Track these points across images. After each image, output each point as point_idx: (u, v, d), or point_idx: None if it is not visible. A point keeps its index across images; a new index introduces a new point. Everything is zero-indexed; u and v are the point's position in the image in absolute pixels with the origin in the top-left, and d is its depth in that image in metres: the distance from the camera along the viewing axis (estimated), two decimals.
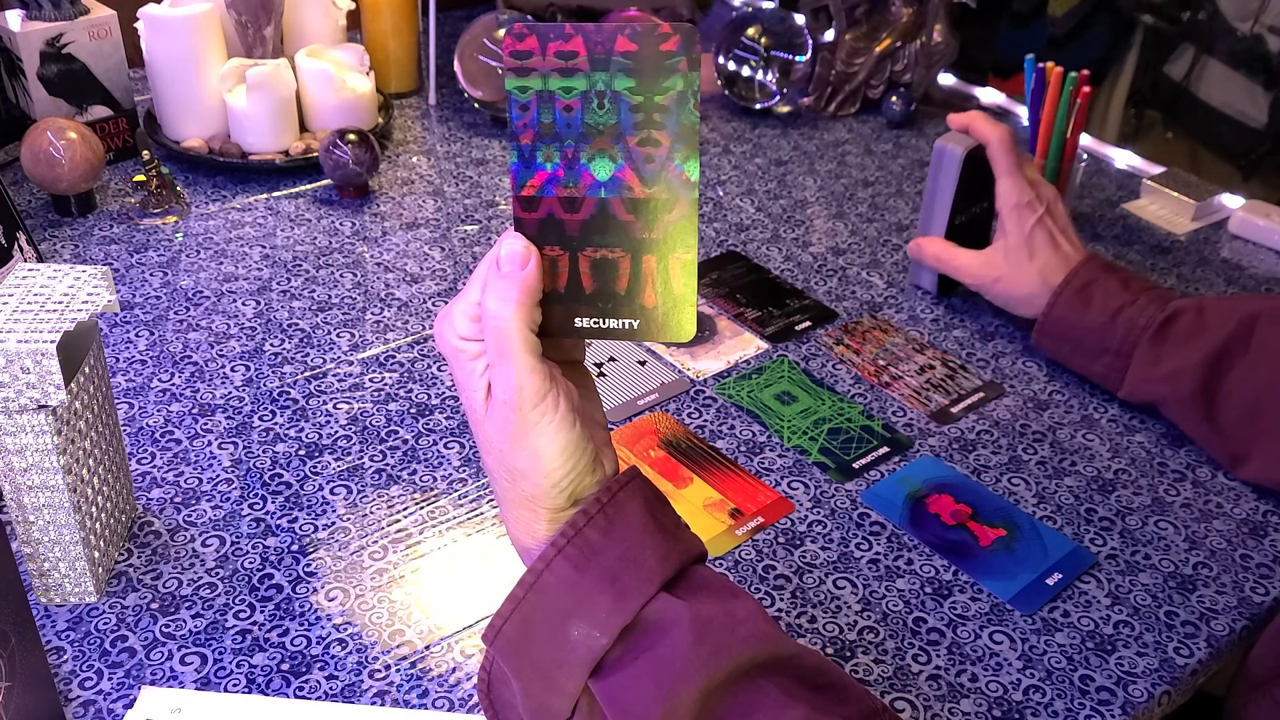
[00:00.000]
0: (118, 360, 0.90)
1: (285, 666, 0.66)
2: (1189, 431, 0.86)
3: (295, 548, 0.74)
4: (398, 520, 0.76)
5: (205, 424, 0.84)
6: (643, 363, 0.93)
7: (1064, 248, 0.92)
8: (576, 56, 0.46)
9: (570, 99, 0.46)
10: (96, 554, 0.68)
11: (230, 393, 0.87)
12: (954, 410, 0.89)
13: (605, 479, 0.50)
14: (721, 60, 1.38)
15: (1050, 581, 0.74)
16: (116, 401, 0.83)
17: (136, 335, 0.93)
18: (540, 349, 0.47)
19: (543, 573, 0.48)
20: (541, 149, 0.47)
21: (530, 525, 0.49)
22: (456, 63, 1.31)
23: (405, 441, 0.83)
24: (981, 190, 0.98)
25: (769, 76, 1.36)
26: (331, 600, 0.70)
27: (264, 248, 1.06)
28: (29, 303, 0.63)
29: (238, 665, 0.65)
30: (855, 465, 0.83)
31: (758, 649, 0.47)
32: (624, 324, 0.49)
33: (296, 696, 0.64)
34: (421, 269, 1.04)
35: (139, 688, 0.64)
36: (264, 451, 0.81)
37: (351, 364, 0.91)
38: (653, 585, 0.47)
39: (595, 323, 0.49)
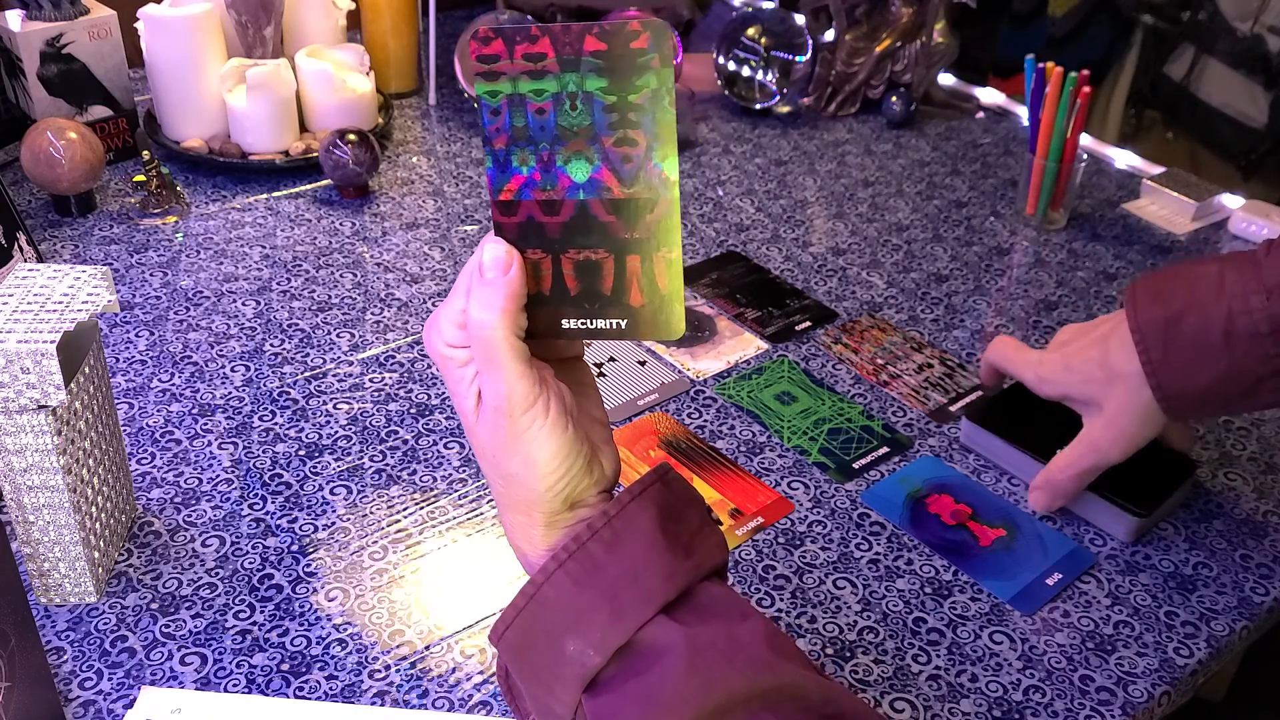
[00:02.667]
0: (118, 360, 0.90)
1: (285, 666, 0.66)
2: None
3: (295, 548, 0.74)
4: (398, 520, 0.76)
5: (205, 424, 0.84)
6: (643, 363, 0.93)
7: (1083, 351, 0.76)
8: (545, 58, 0.45)
9: (542, 101, 0.46)
10: (96, 554, 0.68)
11: (230, 393, 0.87)
12: (952, 409, 0.89)
13: (607, 481, 0.49)
14: (721, 60, 1.38)
15: (1050, 581, 0.74)
16: (116, 401, 0.83)
17: (136, 335, 0.93)
18: (528, 354, 0.47)
19: (543, 585, 0.47)
20: (516, 153, 0.46)
21: (527, 530, 0.49)
22: (456, 63, 1.31)
23: (405, 441, 0.83)
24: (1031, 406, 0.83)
25: (769, 76, 1.36)
26: (331, 600, 0.70)
27: (264, 248, 1.06)
28: (29, 303, 0.63)
29: (238, 665, 0.65)
30: (855, 465, 0.83)
31: (756, 679, 0.45)
32: (612, 324, 0.48)
33: (296, 696, 0.64)
34: (421, 269, 1.04)
35: (139, 688, 0.64)
36: (264, 451, 0.81)
37: (351, 364, 0.91)
38: (652, 607, 0.46)
39: (583, 323, 0.48)
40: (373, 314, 0.97)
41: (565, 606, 0.46)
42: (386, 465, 0.81)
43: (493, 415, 0.46)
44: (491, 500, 0.78)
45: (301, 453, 0.81)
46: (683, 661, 0.45)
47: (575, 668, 0.46)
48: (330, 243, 1.08)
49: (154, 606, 0.69)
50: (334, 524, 0.76)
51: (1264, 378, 0.68)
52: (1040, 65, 1.10)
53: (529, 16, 1.31)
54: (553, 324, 0.48)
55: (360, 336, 0.94)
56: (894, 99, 1.36)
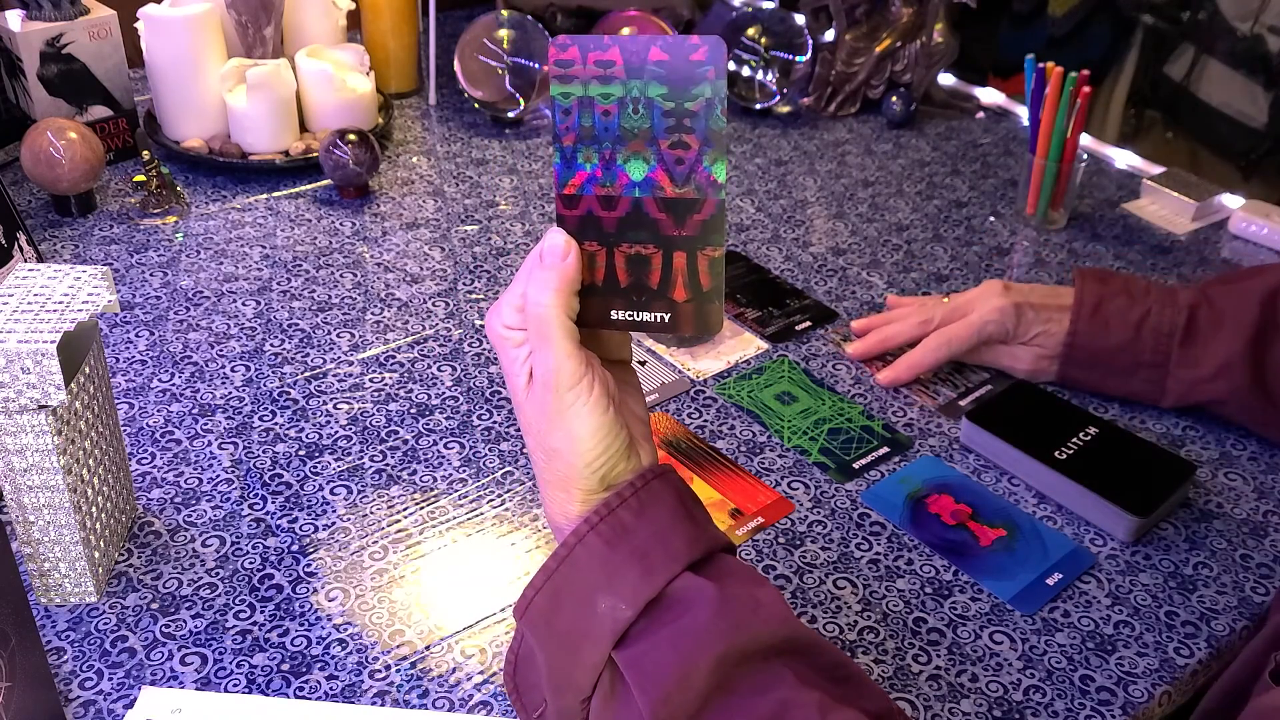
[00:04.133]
0: (118, 360, 0.90)
1: (285, 666, 0.66)
2: (1250, 422, 0.86)
3: (295, 548, 0.74)
4: (398, 520, 0.76)
5: (205, 424, 0.84)
6: (643, 363, 0.93)
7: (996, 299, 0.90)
8: (614, 65, 0.49)
9: (608, 104, 0.50)
10: (96, 554, 0.68)
11: (230, 393, 0.87)
12: (962, 404, 0.89)
13: (640, 468, 0.52)
14: None
15: (1050, 581, 0.74)
16: (116, 401, 0.83)
17: (136, 335, 0.93)
18: (577, 335, 0.50)
19: (575, 547, 0.50)
20: (582, 150, 0.50)
21: (564, 505, 0.52)
22: (456, 63, 1.31)
23: (405, 441, 0.83)
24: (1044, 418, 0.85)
25: (769, 76, 1.36)
26: (331, 600, 0.70)
27: (264, 248, 1.06)
28: (29, 303, 0.63)
29: (238, 665, 0.65)
30: (855, 465, 0.83)
31: (776, 630, 0.49)
32: (656, 317, 0.52)
33: (296, 696, 0.64)
34: (421, 269, 1.04)
35: (139, 688, 0.64)
36: (264, 451, 0.81)
37: (351, 364, 0.91)
38: (679, 564, 0.50)
39: (630, 315, 0.52)
40: (373, 314, 0.97)
41: (597, 565, 0.50)
42: (386, 465, 0.81)
43: (541, 390, 0.50)
44: (492, 500, 0.78)
45: (301, 453, 0.81)
46: (712, 606, 0.49)
47: (607, 623, 0.49)
48: (330, 243, 1.08)
49: (154, 606, 0.69)
50: (334, 524, 0.76)
51: (1144, 365, 0.86)
52: (1040, 65, 1.10)
53: (528, 16, 1.31)
54: (603, 314, 0.52)
55: (360, 336, 0.94)
56: (894, 99, 1.36)
